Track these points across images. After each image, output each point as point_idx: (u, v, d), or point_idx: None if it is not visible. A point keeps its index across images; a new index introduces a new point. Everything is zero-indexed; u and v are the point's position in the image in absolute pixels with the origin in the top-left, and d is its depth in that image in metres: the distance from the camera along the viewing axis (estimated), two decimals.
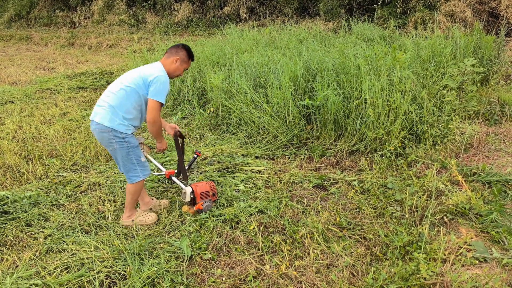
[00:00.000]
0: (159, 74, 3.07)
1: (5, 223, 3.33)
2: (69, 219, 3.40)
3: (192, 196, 3.41)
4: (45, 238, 3.15)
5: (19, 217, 3.41)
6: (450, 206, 3.21)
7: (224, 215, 3.34)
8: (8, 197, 3.62)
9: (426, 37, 7.13)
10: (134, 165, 3.17)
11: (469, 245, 2.75)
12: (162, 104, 3.08)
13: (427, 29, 8.47)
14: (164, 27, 14.33)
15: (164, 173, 3.87)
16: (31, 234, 3.22)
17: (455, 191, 3.44)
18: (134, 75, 3.08)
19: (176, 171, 3.68)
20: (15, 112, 6.44)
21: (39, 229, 3.27)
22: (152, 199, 3.62)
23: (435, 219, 3.13)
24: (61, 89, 7.88)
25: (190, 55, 3.36)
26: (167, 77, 3.13)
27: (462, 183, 3.39)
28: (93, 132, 3.13)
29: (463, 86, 5.24)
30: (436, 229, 3.00)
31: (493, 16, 9.16)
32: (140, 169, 3.20)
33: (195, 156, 3.87)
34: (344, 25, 8.70)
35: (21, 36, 16.52)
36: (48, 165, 4.44)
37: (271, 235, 3.09)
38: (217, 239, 3.05)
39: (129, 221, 3.33)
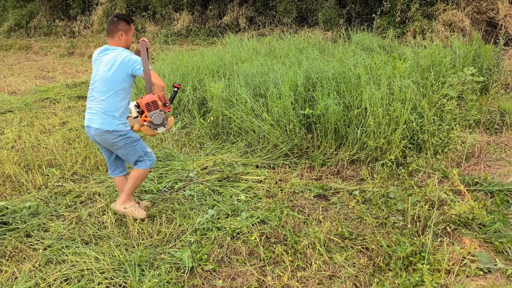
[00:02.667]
0: (126, 54, 3.12)
1: (4, 234, 3.30)
2: (69, 230, 3.38)
3: (138, 110, 3.08)
4: (45, 249, 3.12)
5: (18, 227, 3.38)
6: (453, 216, 3.19)
7: (226, 228, 3.32)
8: (7, 208, 3.59)
9: (425, 46, 7.17)
10: (141, 156, 3.32)
11: (473, 256, 2.73)
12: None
13: (426, 38, 8.52)
14: (163, 37, 14.37)
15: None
16: (31, 245, 3.19)
17: (458, 201, 3.42)
18: (114, 75, 3.10)
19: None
20: (14, 121, 6.43)
21: (38, 240, 3.24)
22: (138, 202, 3.69)
23: (438, 229, 3.11)
24: (60, 99, 7.88)
25: (128, 21, 3.27)
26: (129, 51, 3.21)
27: (465, 192, 3.37)
28: (93, 137, 3.23)
29: (463, 95, 5.25)
30: (439, 240, 2.98)
31: (491, 26, 9.22)
32: (147, 159, 3.35)
33: (176, 89, 3.48)
34: (343, 34, 8.74)
35: (21, 46, 16.58)
36: (48, 175, 4.41)
37: (272, 246, 3.06)
38: (218, 250, 3.03)
39: (121, 208, 3.41)
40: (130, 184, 3.41)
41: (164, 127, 3.07)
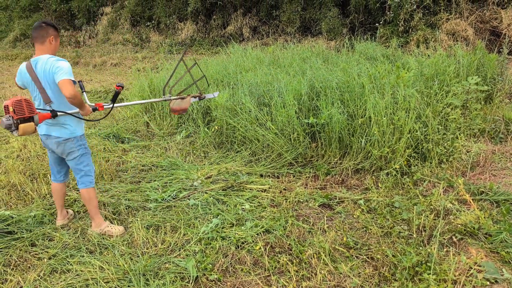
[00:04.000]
0: (52, 60, 3.01)
1: (9, 243, 3.30)
2: (74, 239, 3.38)
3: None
4: (50, 258, 3.12)
5: (23, 237, 3.39)
6: (459, 225, 3.17)
7: (230, 237, 3.31)
8: (12, 217, 3.61)
9: (428, 55, 7.18)
10: (90, 171, 3.39)
11: (480, 266, 2.71)
12: (73, 81, 3.00)
13: (429, 47, 8.53)
14: (168, 46, 14.48)
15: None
16: (35, 254, 3.19)
17: (463, 210, 3.41)
18: (51, 87, 3.05)
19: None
20: None
21: (43, 249, 3.24)
22: (67, 210, 3.76)
23: (444, 239, 3.09)
24: None
25: (56, 28, 3.21)
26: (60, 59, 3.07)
27: (470, 202, 3.35)
28: (50, 145, 3.26)
29: (467, 104, 5.24)
30: (445, 249, 2.96)
31: (495, 35, 9.23)
32: (93, 174, 3.44)
33: (117, 91, 3.38)
34: (346, 43, 8.77)
35: (27, 55, 16.71)
36: None
37: (277, 255, 3.05)
38: (222, 259, 3.02)
39: (98, 230, 3.45)
40: (89, 209, 3.45)
41: (16, 133, 2.90)
